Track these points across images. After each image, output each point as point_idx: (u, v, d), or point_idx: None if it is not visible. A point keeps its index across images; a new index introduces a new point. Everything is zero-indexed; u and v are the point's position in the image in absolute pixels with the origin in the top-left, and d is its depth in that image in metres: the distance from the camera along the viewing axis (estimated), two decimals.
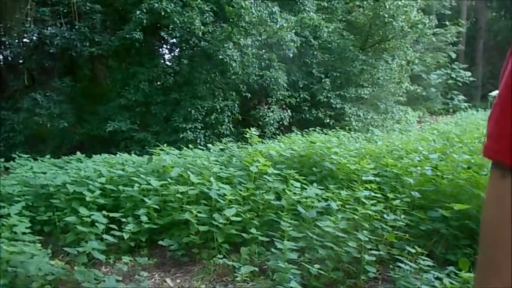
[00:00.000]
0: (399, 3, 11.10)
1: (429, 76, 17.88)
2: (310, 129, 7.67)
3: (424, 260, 2.42)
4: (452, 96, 19.95)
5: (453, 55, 19.32)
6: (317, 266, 2.38)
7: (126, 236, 2.98)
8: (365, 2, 11.66)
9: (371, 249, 2.55)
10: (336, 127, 8.99)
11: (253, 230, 2.93)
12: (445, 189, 3.26)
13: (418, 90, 14.81)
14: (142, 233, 3.16)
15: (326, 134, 6.81)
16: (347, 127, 9.75)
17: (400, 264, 2.44)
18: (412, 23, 11.53)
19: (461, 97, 19.93)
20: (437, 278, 2.31)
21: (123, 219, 3.21)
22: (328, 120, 10.59)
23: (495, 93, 12.27)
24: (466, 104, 19.13)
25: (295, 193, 3.19)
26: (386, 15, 11.10)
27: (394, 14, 11.10)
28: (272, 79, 10.02)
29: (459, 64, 20.20)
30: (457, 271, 2.36)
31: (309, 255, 2.50)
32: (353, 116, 10.87)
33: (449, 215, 2.93)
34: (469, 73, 20.21)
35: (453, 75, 19.60)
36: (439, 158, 4.01)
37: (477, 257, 0.47)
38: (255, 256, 2.88)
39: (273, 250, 2.57)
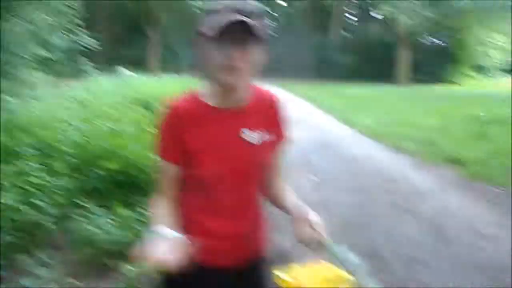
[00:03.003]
0: None
1: (55, 40, 17.33)
2: None
3: (93, 208, 3.17)
4: (79, 61, 20.50)
5: (77, 20, 19.33)
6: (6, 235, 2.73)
7: None
8: None
9: (47, 212, 3.09)
10: None
11: None
12: (96, 153, 3.95)
13: (50, 57, 14.60)
14: None
15: None
16: None
17: (75, 216, 3.12)
18: None
19: (88, 62, 20.89)
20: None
21: None
22: None
23: (122, 70, 13.89)
24: (93, 69, 20.24)
25: None
26: None
27: None
28: None
29: (82, 29, 20.54)
30: (115, 212, 3.23)
31: None
32: None
33: (103, 173, 3.78)
34: (93, 40, 21.13)
35: (79, 41, 19.85)
36: (86, 126, 4.69)
37: None
38: None
39: None
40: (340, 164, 6.46)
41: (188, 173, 1.23)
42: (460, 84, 28.11)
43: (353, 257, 1.08)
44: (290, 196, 1.30)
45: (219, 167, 1.20)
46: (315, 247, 1.11)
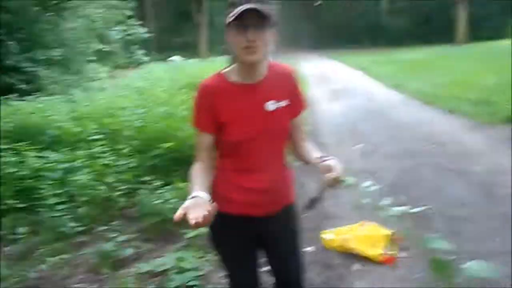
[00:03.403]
0: None
1: (110, 33, 18.47)
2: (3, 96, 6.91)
3: (156, 183, 3.59)
4: (133, 51, 21.60)
5: (128, 12, 20.33)
6: (84, 208, 3.22)
7: None
8: None
9: (116, 188, 3.55)
10: (37, 92, 8.37)
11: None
12: (154, 135, 4.43)
13: (107, 49, 15.64)
14: None
15: (24, 100, 6.65)
16: (43, 91, 9.19)
17: (141, 191, 3.55)
18: None
19: (141, 51, 21.88)
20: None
21: None
22: (21, 85, 9.72)
23: (174, 57, 14.34)
24: (146, 58, 21.22)
25: (36, 162, 3.68)
26: None
27: None
28: None
29: (134, 20, 21.50)
30: (176, 185, 3.64)
31: (75, 203, 3.30)
32: (48, 79, 10.59)
33: (162, 152, 4.20)
34: (144, 29, 22.15)
35: (131, 31, 20.94)
36: (143, 112, 5.18)
37: None
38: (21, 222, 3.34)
39: (39, 209, 3.20)
40: (387, 130, 6.49)
41: (220, 140, 1.49)
42: None
43: (370, 184, 1.26)
44: (314, 152, 1.55)
45: (246, 134, 1.45)
46: (337, 185, 1.35)
